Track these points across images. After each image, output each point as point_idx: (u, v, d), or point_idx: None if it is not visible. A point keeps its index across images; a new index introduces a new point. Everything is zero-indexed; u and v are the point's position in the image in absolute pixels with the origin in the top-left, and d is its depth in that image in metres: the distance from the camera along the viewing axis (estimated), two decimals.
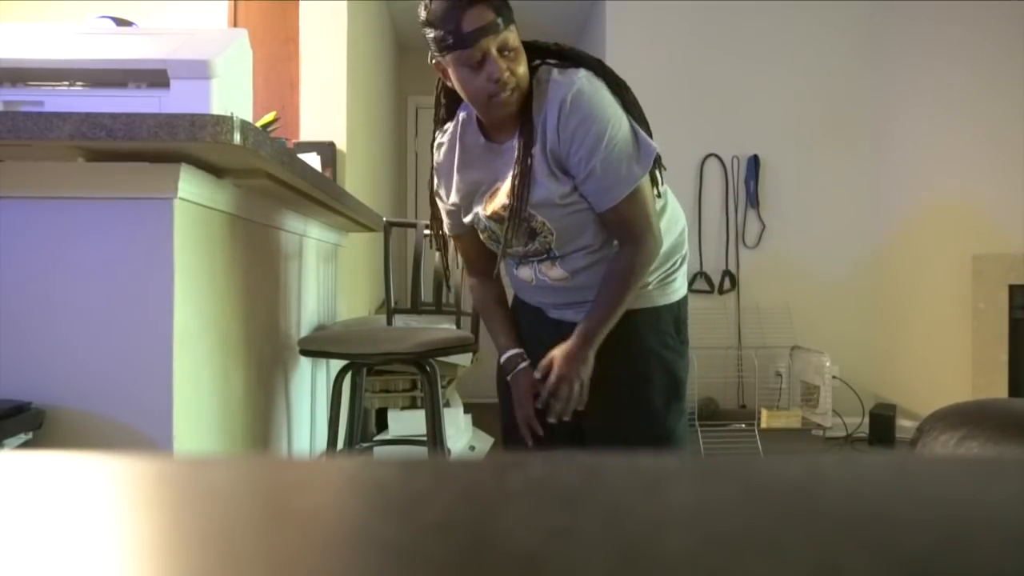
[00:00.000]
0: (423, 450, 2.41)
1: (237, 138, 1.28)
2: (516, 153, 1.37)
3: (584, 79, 1.35)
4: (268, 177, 1.63)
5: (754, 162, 4.53)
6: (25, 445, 1.26)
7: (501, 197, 1.43)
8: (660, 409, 1.50)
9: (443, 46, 1.32)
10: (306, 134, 3.38)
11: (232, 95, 1.68)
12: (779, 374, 4.34)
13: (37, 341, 1.36)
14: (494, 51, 1.29)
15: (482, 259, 1.61)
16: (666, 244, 1.49)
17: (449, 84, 1.41)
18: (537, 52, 1.43)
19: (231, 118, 1.27)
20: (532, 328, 1.61)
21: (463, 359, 3.21)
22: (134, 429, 1.36)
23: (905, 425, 3.78)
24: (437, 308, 2.52)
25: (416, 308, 2.56)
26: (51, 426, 1.32)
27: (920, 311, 4.13)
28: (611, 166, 1.35)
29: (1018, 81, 3.46)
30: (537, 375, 1.47)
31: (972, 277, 3.64)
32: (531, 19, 4.95)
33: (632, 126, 1.39)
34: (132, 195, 1.37)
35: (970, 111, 3.76)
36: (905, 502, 0.26)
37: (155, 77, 1.60)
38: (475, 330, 2.29)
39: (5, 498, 0.26)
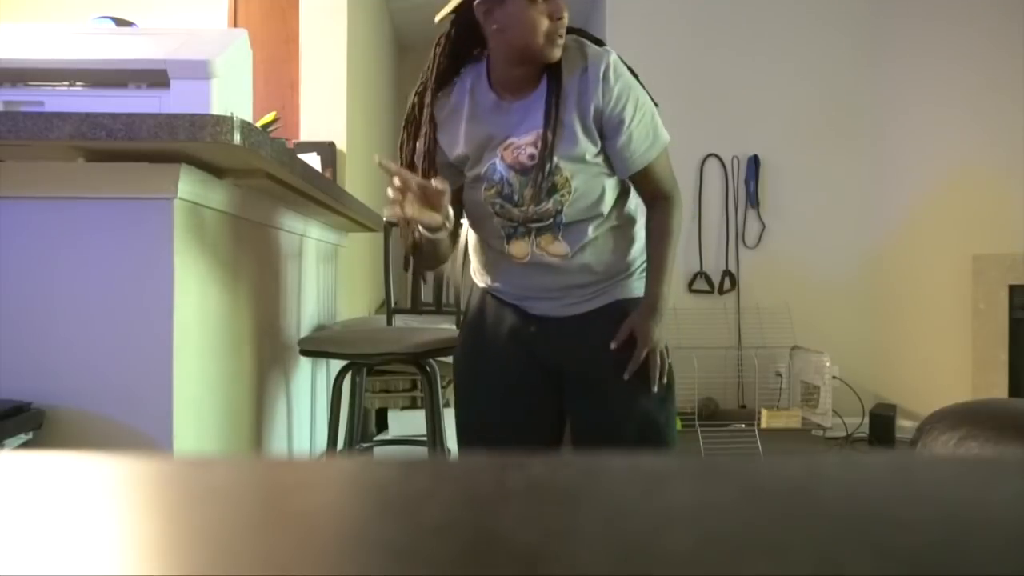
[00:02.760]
0: (423, 450, 2.41)
1: (237, 138, 1.28)
2: (545, 107, 1.43)
3: (616, 53, 1.47)
4: (268, 177, 1.63)
5: (754, 162, 4.53)
6: (25, 445, 1.26)
7: (526, 147, 1.44)
8: (655, 399, 1.50)
9: None
10: (306, 134, 3.38)
11: (232, 95, 1.68)
12: (779, 374, 4.34)
13: (37, 341, 1.35)
14: None
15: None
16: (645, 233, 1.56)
17: (492, 27, 1.39)
18: None
19: (231, 118, 1.27)
20: (510, 329, 1.56)
21: None
22: (134, 429, 1.36)
23: (905, 425, 3.78)
24: (437, 308, 2.52)
25: (416, 308, 2.56)
26: (51, 426, 1.32)
27: (920, 311, 4.13)
28: (646, 128, 1.47)
29: (1019, 80, 3.46)
30: (614, 345, 1.48)
31: (972, 277, 3.64)
32: None
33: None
34: (132, 195, 1.37)
35: (971, 110, 3.76)
36: (905, 502, 0.26)
37: (155, 77, 1.60)
38: None
39: (5, 498, 0.26)
